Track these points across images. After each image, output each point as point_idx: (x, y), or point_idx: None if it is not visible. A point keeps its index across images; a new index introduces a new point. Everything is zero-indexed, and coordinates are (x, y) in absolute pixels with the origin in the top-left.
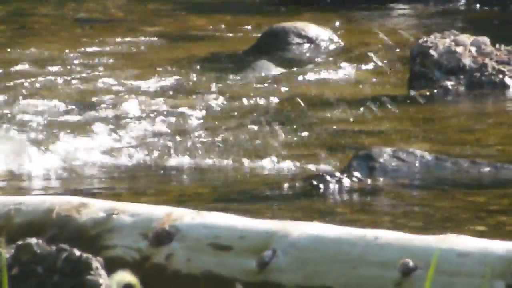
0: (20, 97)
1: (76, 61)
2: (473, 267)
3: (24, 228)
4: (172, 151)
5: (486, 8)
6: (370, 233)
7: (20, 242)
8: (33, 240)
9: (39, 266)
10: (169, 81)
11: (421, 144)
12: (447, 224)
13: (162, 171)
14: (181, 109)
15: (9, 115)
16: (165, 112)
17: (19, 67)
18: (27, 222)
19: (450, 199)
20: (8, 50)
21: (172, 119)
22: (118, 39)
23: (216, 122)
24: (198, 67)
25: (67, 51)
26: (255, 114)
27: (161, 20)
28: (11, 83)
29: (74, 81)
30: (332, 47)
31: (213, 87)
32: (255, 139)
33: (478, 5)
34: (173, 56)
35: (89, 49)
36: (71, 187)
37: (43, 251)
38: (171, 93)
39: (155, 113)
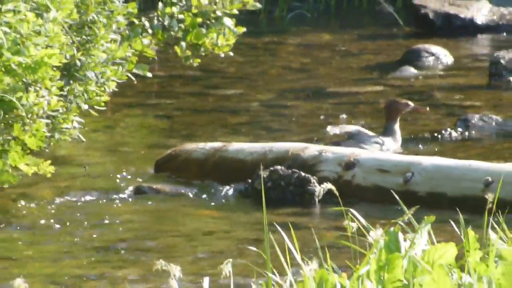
0: None
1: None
2: None
3: (273, 160)
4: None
5: None
6: (464, 162)
7: (271, 168)
8: (278, 167)
9: (282, 181)
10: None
11: (495, 112)
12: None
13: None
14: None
15: None
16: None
17: None
18: (275, 157)
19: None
20: None
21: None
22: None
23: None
24: (367, 70)
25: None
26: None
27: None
28: None
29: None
30: (445, 59)
31: (380, 81)
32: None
33: None
34: (347, 65)
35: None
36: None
37: (284, 173)
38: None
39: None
